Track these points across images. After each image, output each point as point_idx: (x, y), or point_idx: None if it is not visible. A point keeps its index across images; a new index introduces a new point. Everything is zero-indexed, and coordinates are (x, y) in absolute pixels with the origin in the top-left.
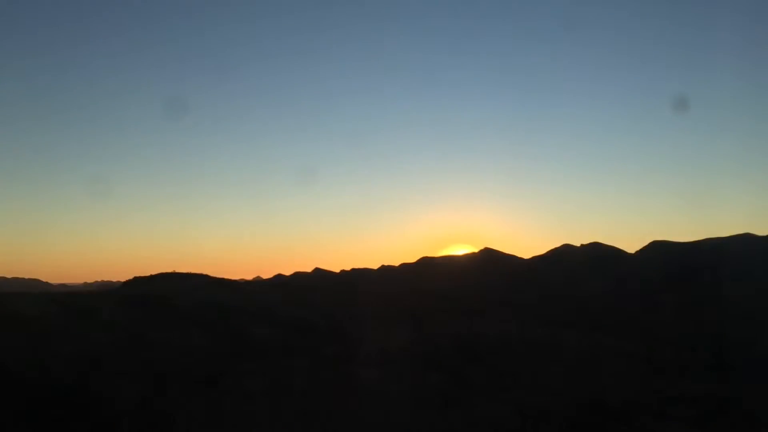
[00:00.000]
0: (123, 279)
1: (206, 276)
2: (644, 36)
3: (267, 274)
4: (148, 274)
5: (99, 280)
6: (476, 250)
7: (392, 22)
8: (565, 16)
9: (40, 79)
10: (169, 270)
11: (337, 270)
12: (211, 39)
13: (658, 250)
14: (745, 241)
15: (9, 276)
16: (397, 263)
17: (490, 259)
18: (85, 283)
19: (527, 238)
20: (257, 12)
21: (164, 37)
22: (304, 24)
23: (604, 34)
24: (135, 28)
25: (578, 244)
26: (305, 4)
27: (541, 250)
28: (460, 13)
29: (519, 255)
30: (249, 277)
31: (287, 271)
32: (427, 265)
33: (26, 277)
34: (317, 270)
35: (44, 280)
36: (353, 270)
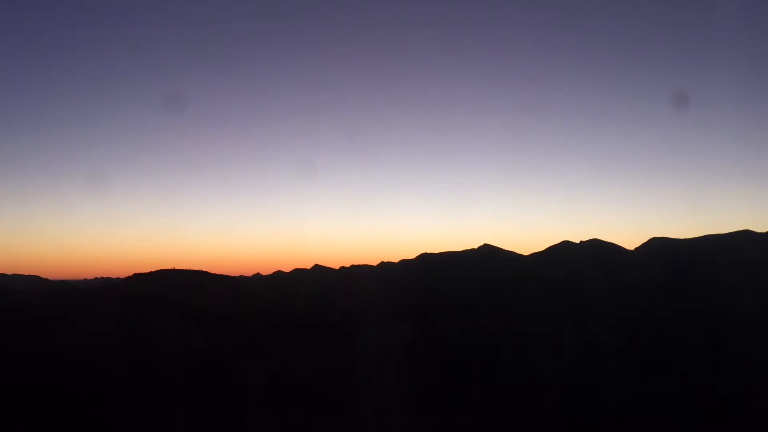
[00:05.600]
0: (123, 275)
1: (206, 272)
2: (644, 32)
3: (266, 271)
4: (147, 270)
5: (99, 276)
6: (475, 246)
7: (391, 16)
8: (565, 11)
9: (39, 76)
10: (169, 266)
11: (336, 266)
12: (208, 34)
13: (657, 246)
14: (744, 238)
15: (9, 272)
16: (396, 259)
17: (489, 256)
18: (85, 280)
19: (526, 234)
20: (254, 6)
21: (161, 32)
22: (301, 17)
23: (604, 29)
24: (132, 23)
25: (577, 241)
26: None
27: (541, 246)
28: (459, 8)
29: (518, 251)
30: (248, 273)
31: (287, 268)
32: (426, 261)
33: (25, 273)
34: (316, 266)
35: (44, 276)
36: (352, 266)
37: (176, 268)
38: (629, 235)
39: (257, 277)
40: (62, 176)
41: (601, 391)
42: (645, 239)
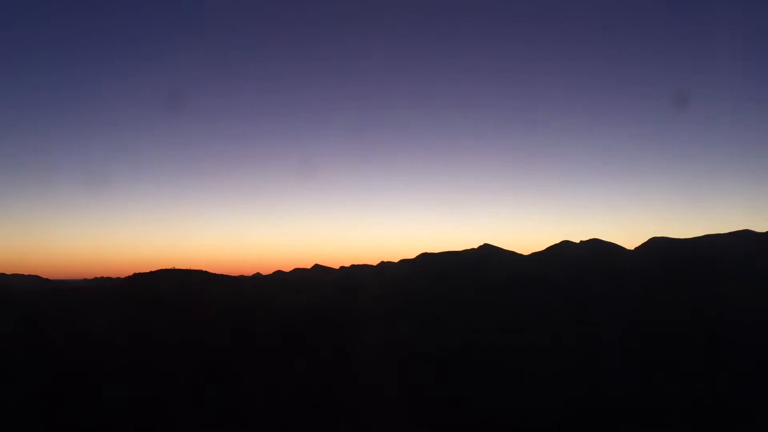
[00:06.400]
0: (123, 275)
1: (206, 272)
2: (644, 32)
3: (267, 271)
4: (147, 270)
5: (99, 276)
6: (475, 246)
7: (392, 18)
8: (565, 12)
9: (39, 76)
10: (169, 266)
11: (336, 266)
12: (209, 34)
13: (657, 246)
14: (744, 237)
15: (8, 272)
16: (396, 259)
17: (489, 256)
18: (85, 279)
19: (526, 234)
20: (256, 6)
21: (162, 32)
22: (303, 17)
23: (603, 29)
24: (133, 22)
25: (577, 241)
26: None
27: (541, 246)
28: (460, 9)
29: (518, 251)
30: (249, 273)
31: (287, 268)
32: (426, 261)
33: (25, 273)
34: (317, 266)
35: (44, 276)
36: (353, 266)
37: (176, 268)
38: (629, 235)
39: (257, 277)
40: (62, 176)
41: (601, 390)
42: (645, 239)
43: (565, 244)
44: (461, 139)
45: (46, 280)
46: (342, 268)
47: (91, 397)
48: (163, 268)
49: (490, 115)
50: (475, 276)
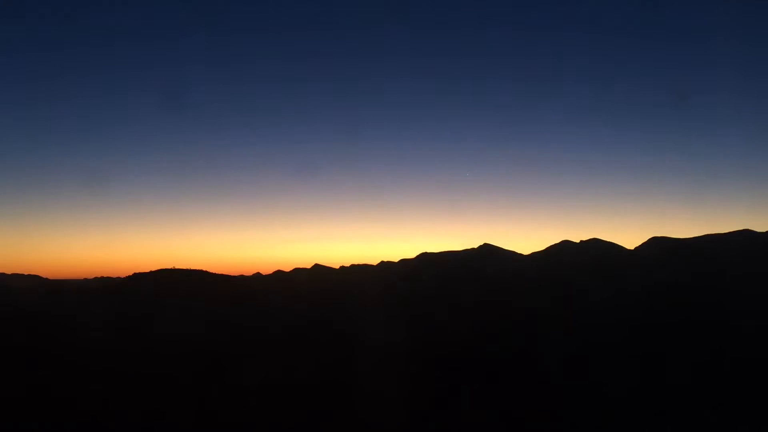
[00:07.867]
0: (123, 275)
1: (206, 272)
2: (644, 32)
3: (266, 271)
4: (148, 270)
5: (99, 275)
6: (475, 246)
7: (390, 15)
8: (565, 12)
9: (39, 76)
10: (169, 266)
11: (336, 266)
12: (209, 34)
13: (657, 246)
14: (744, 237)
15: (8, 272)
16: (396, 259)
17: (489, 256)
18: (85, 279)
19: (527, 234)
20: (256, 6)
21: (162, 32)
22: (303, 17)
23: (604, 29)
24: (132, 23)
25: (577, 240)
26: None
27: (541, 246)
28: (459, 9)
29: (518, 251)
30: (249, 273)
31: (287, 268)
32: (426, 261)
33: (25, 272)
34: (317, 266)
35: (44, 275)
36: (352, 266)
37: (176, 267)
38: (629, 235)
39: (257, 276)
40: (63, 176)
41: (601, 390)
42: (645, 239)
43: (565, 244)
44: (461, 139)
45: (46, 279)
46: (342, 268)
47: (91, 396)
48: (163, 268)
49: (491, 114)
50: (475, 276)
